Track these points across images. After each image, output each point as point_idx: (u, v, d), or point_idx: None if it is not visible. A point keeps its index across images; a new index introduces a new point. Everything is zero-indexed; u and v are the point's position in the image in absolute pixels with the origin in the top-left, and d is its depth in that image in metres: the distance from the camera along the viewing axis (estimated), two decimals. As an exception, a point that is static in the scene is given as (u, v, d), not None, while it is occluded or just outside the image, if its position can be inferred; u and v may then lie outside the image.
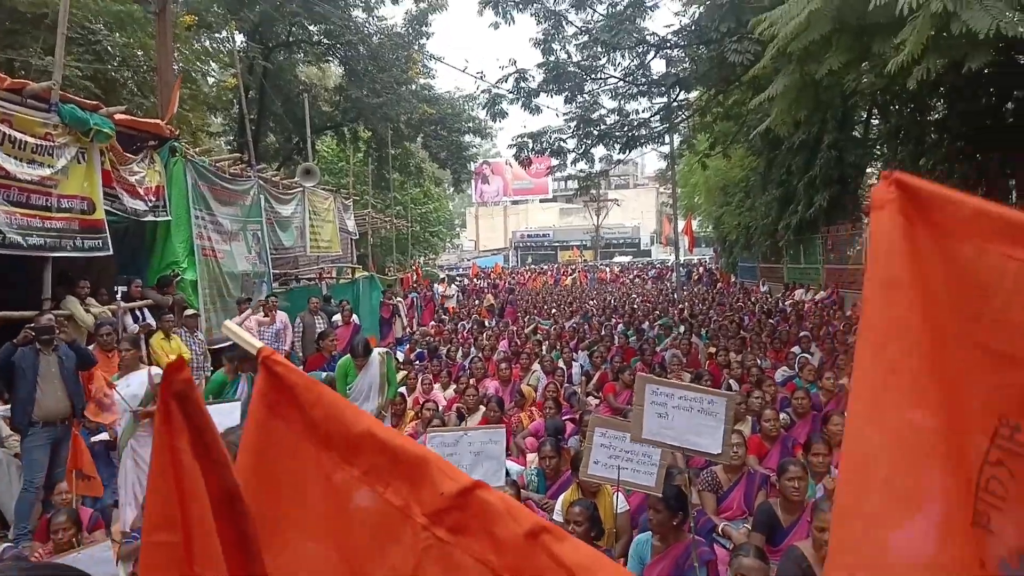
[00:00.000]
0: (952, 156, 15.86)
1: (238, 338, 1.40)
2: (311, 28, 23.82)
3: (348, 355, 7.66)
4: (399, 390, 8.17)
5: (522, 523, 1.12)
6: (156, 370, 6.55)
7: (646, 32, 15.44)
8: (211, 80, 21.23)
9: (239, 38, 21.58)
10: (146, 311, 9.14)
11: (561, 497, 5.30)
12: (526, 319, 17.91)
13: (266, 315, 10.65)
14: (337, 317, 12.24)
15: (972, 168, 15.51)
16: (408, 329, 17.03)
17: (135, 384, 6.32)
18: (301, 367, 11.61)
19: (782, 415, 6.97)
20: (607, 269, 46.32)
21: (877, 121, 21.82)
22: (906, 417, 1.01)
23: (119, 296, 7.91)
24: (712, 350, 11.58)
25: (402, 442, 1.23)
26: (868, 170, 23.18)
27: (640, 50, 15.88)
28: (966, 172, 15.49)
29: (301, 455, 1.26)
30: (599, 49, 15.48)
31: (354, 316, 12.65)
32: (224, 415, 4.93)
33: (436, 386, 9.37)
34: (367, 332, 13.17)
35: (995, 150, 14.80)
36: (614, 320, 17.10)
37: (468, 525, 1.15)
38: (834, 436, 5.87)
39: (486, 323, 17.37)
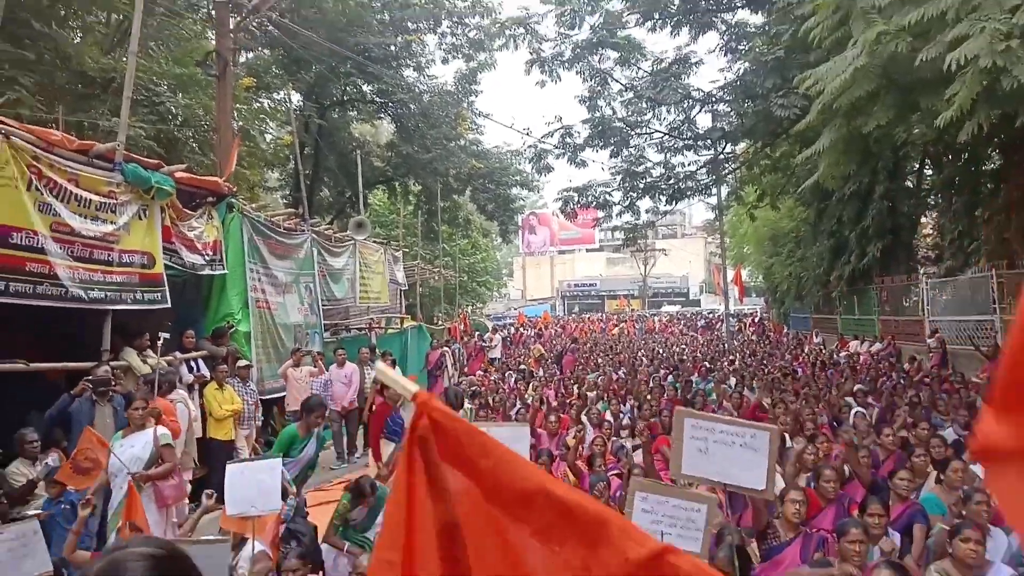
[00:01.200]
0: (1009, 207, 15.47)
1: (390, 380, 1.35)
2: (364, 88, 24.61)
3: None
4: None
5: None
6: (162, 430, 6.28)
7: (691, 88, 15.58)
8: (268, 137, 22.01)
9: (295, 97, 22.42)
10: (201, 362, 9.36)
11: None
12: (577, 369, 17.78)
13: (315, 366, 10.80)
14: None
15: (1031, 219, 15.10)
16: (453, 379, 17.06)
17: (139, 445, 6.03)
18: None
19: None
20: (655, 319, 45.88)
21: (930, 172, 21.50)
22: None
23: (160, 343, 8.06)
24: (766, 402, 11.32)
25: (579, 499, 1.18)
26: (923, 220, 22.76)
27: (685, 105, 16.00)
28: (1023, 223, 15.08)
29: (473, 505, 1.22)
30: (644, 105, 15.66)
31: (396, 368, 12.64)
32: (262, 472, 4.92)
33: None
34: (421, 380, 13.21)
35: (1054, 200, 14.40)
36: (662, 371, 16.86)
37: None
38: (899, 490, 5.70)
39: (534, 373, 17.30)
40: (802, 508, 5.31)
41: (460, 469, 1.22)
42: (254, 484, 4.73)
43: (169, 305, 8.71)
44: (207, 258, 9.81)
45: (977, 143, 13.25)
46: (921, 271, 20.71)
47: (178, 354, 8.87)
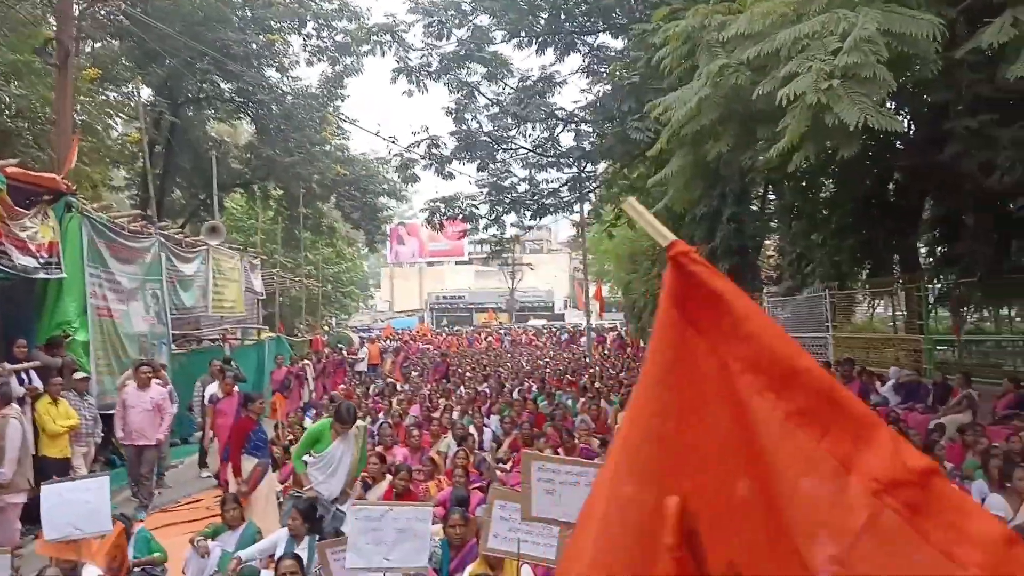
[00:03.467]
0: (841, 232, 16.87)
1: (645, 222, 1.13)
2: (223, 86, 23.60)
3: (327, 418, 7.59)
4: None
5: (995, 525, 0.95)
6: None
7: (555, 107, 16.03)
8: (115, 133, 20.66)
9: (147, 92, 21.19)
10: (33, 373, 8.61)
11: (468, 569, 5.22)
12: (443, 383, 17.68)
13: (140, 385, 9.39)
14: (215, 387, 10.38)
15: (859, 243, 16.54)
16: (314, 394, 16.58)
17: None
18: (200, 433, 11.02)
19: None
20: (522, 332, 46.57)
21: (774, 197, 23.09)
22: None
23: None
24: (620, 416, 11.73)
25: (850, 395, 1.03)
26: (766, 242, 24.40)
27: (550, 123, 16.43)
28: (853, 247, 16.50)
29: (710, 372, 1.07)
30: (510, 120, 15.94)
31: (236, 387, 10.29)
32: (87, 492, 4.59)
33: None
34: (268, 396, 12.76)
35: (879, 227, 15.85)
36: (526, 384, 17.13)
37: (931, 509, 0.96)
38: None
39: (398, 387, 17.07)
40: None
41: (711, 332, 1.08)
42: (77, 504, 4.42)
43: (-5, 311, 8.01)
44: (42, 261, 9.07)
45: (813, 171, 14.39)
46: (764, 290, 22.17)
47: (7, 365, 8.13)
